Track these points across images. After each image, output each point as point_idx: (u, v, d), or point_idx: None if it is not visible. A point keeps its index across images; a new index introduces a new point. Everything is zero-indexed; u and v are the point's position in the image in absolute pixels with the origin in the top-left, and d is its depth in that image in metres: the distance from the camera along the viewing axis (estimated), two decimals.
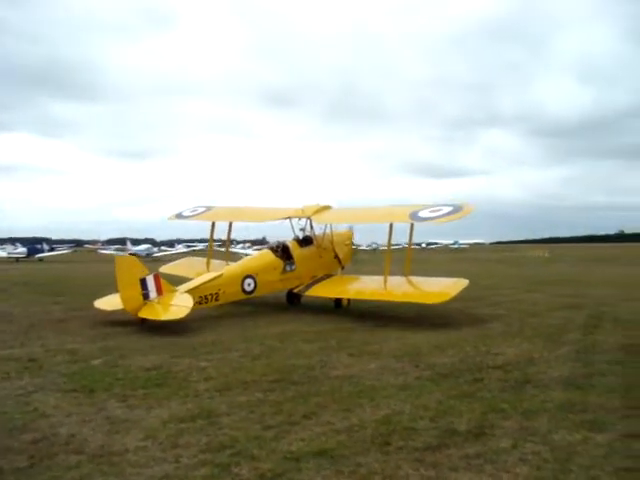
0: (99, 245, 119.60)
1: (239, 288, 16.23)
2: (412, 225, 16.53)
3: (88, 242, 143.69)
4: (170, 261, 26.00)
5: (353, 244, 20.95)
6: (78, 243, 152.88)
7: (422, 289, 16.33)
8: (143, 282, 13.91)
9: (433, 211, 15.55)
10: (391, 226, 16.73)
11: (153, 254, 74.10)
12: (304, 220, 18.89)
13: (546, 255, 73.44)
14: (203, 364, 9.61)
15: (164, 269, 20.03)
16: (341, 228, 20.25)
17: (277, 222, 19.20)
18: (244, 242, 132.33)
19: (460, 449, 5.67)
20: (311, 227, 19.02)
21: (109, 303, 14.92)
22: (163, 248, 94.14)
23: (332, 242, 19.21)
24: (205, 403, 7.28)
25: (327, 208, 18.99)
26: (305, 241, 18.83)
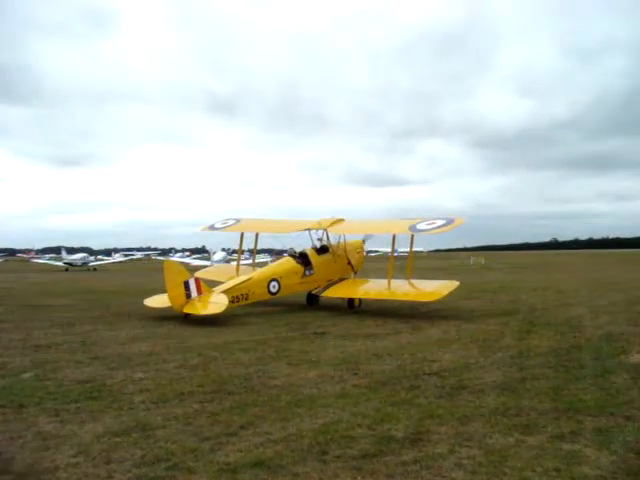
0: (32, 254, 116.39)
1: (265, 290, 18.90)
2: (412, 236, 19.30)
3: (21, 251, 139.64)
4: (107, 270, 26.01)
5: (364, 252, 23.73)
6: (10, 252, 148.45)
7: (420, 289, 18.90)
8: (186, 284, 16.74)
9: (429, 223, 18.45)
10: (394, 237, 19.97)
11: (89, 263, 72.51)
12: (321, 231, 21.75)
13: (482, 262, 74.95)
14: (139, 376, 9.46)
15: (199, 274, 21.64)
16: (354, 238, 22.93)
17: (297, 233, 21.65)
18: (183, 251, 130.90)
19: (397, 456, 5.74)
20: (327, 237, 21.84)
21: (157, 301, 17.80)
22: (100, 257, 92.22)
23: (345, 250, 21.96)
24: (140, 416, 7.15)
25: (341, 221, 21.67)
26: (322, 249, 21.57)
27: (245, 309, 18.29)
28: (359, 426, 6.64)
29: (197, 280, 17.22)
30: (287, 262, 20.70)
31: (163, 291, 17.12)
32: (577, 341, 12.54)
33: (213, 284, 19.01)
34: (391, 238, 20.21)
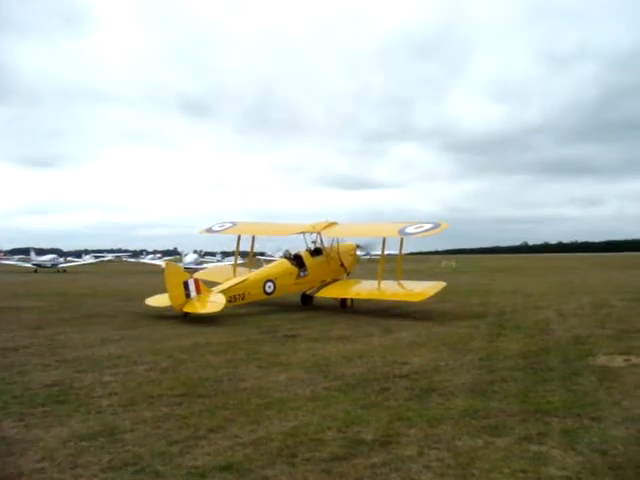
0: (1, 255, 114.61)
1: (261, 290, 19.74)
2: (402, 239, 20.22)
3: None
4: (77, 272, 25.89)
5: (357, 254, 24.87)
6: None
7: (408, 290, 19.93)
8: (185, 284, 17.66)
9: (417, 227, 19.37)
10: (384, 240, 21.12)
11: (59, 265, 71.57)
12: (315, 234, 22.68)
13: (453, 266, 75.46)
14: (107, 379, 9.36)
15: (198, 275, 22.07)
16: (347, 241, 24.08)
17: (293, 236, 23.08)
18: (154, 252, 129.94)
19: (366, 458, 5.74)
20: (321, 240, 22.77)
21: (158, 301, 18.62)
22: (70, 259, 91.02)
23: (338, 252, 22.87)
24: (108, 419, 7.07)
25: (334, 224, 22.79)
26: (316, 252, 22.44)
27: (236, 310, 18.24)
28: (329, 429, 6.64)
29: (196, 280, 18.16)
30: (282, 264, 21.69)
31: (132, 293, 17.02)
32: (545, 344, 12.68)
33: (212, 285, 19.73)
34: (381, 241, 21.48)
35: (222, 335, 14.29)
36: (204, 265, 70.19)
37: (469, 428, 6.65)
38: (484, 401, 7.83)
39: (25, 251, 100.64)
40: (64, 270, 68.46)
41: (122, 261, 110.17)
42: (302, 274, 21.42)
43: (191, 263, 67.14)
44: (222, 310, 16.98)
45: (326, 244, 22.89)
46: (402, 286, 20.29)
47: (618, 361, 10.68)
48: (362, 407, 7.56)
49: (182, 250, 76.70)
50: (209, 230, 25.28)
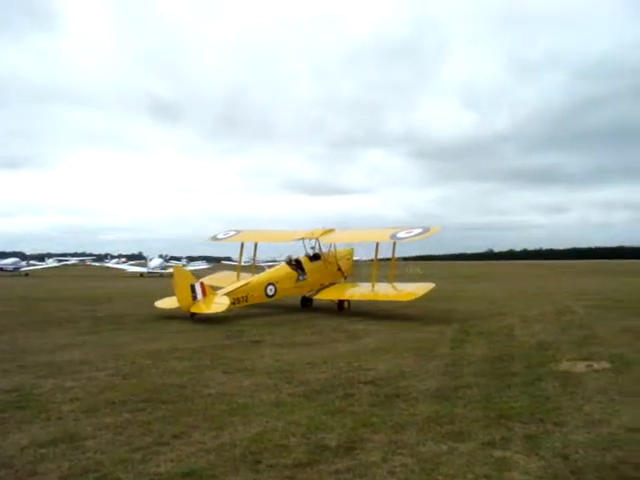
0: None
1: (263, 293, 21.13)
2: (394, 244, 21.20)
3: None
4: (40, 276, 25.70)
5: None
6: None
7: (400, 290, 21.07)
8: (192, 287, 19.06)
9: (408, 232, 20.63)
10: (377, 245, 22.11)
11: (21, 268, 70.35)
12: (314, 241, 24.13)
13: (419, 272, 75.90)
14: (69, 384, 9.23)
15: (204, 280, 22.06)
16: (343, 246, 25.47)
17: (292, 242, 24.46)
18: (119, 257, 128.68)
19: (330, 464, 5.73)
20: (319, 246, 24.20)
21: (167, 303, 20.00)
22: (32, 262, 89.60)
23: (336, 257, 24.30)
24: (69, 426, 6.97)
25: (331, 231, 24.32)
26: (314, 257, 23.88)
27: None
28: (293, 435, 6.61)
29: (202, 284, 19.56)
30: (283, 268, 23.06)
31: (96, 297, 16.87)
32: (509, 350, 12.80)
33: (217, 290, 20.61)
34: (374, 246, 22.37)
35: (187, 340, 14.19)
36: (169, 270, 69.78)
37: (433, 434, 6.68)
38: (448, 407, 7.88)
39: None
40: (26, 274, 67.28)
41: (86, 265, 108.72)
42: (301, 278, 22.82)
43: (156, 267, 66.60)
44: (226, 311, 18.51)
45: (324, 250, 24.33)
46: (394, 287, 21.40)
47: (580, 367, 10.80)
48: (326, 413, 7.55)
49: (147, 255, 76.02)
50: (214, 238, 27.06)
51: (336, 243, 24.71)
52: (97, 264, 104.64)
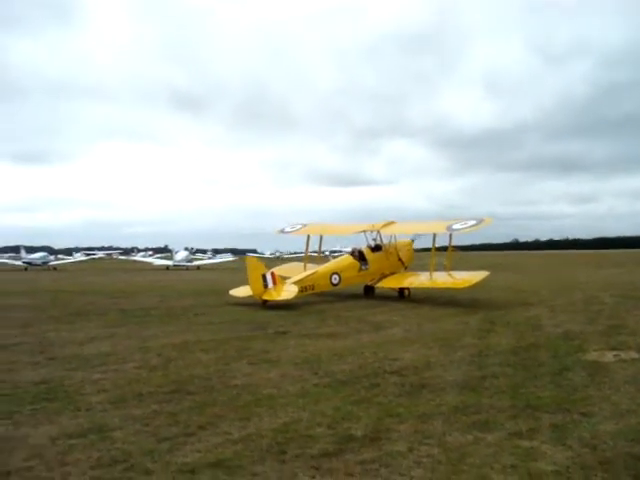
0: None
1: (328, 281, 22.87)
2: (450, 235, 22.83)
3: None
4: (68, 270, 26.27)
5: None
6: None
7: (456, 278, 22.39)
8: (264, 276, 20.67)
9: (463, 223, 22.27)
10: (434, 236, 23.67)
11: (50, 262, 71.21)
12: (375, 233, 25.75)
13: (444, 263, 75.50)
14: (97, 376, 9.32)
15: (275, 270, 23.37)
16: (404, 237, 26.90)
17: (355, 234, 26.76)
18: (146, 250, 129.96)
19: (356, 454, 5.72)
20: (380, 238, 25.81)
21: (241, 292, 21.81)
22: (60, 256, 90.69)
23: (396, 248, 25.78)
24: (97, 417, 7.04)
25: (392, 223, 25.89)
26: (376, 248, 25.49)
27: (226, 307, 18.20)
28: (319, 425, 6.62)
29: (273, 273, 21.16)
30: (346, 259, 25.09)
31: (123, 290, 17.06)
32: (536, 340, 12.70)
33: (286, 279, 22.25)
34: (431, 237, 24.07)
35: (213, 332, 14.25)
36: (195, 263, 70.22)
37: (459, 424, 6.64)
38: (475, 397, 7.84)
39: (15, 249, 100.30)
40: (54, 268, 68.10)
41: (113, 259, 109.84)
42: (364, 267, 24.45)
43: (182, 260, 67.03)
44: (295, 298, 20.22)
45: (385, 241, 25.90)
46: (451, 276, 22.76)
47: (608, 357, 10.69)
48: (352, 403, 7.55)
49: (173, 247, 76.54)
50: (282, 231, 29.28)
51: (396, 234, 26.03)
52: (124, 257, 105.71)
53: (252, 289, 20.64)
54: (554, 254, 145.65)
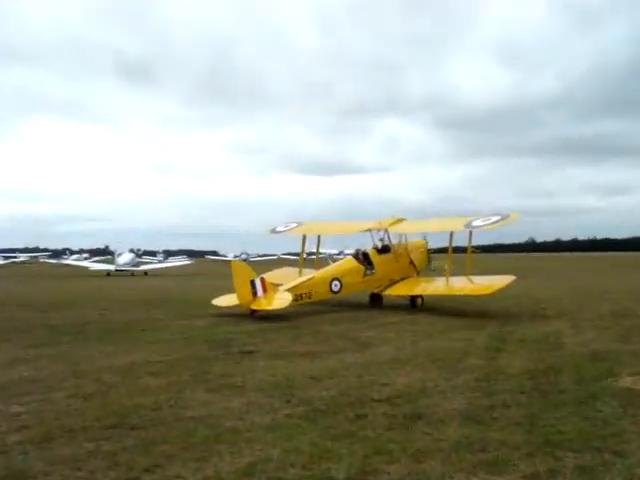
0: None
1: (328, 288, 23.39)
2: (470, 233, 23.78)
3: None
4: None
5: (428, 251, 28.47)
6: None
7: (476, 284, 23.30)
8: (252, 283, 21.23)
9: (484, 220, 23.04)
10: (451, 234, 24.46)
11: None
12: (382, 232, 26.43)
13: (445, 267, 75.69)
14: (16, 409, 9.18)
15: (265, 276, 24.00)
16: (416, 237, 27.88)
17: (359, 234, 27.57)
18: (80, 252, 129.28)
19: None
20: (388, 237, 26.50)
21: (226, 301, 22.37)
22: None
23: (407, 249, 26.50)
24: (16, 461, 6.90)
25: (401, 220, 26.52)
26: (383, 249, 26.12)
27: (184, 321, 18.11)
28: (292, 465, 6.60)
29: (262, 279, 21.79)
30: (348, 262, 25.74)
31: (52, 301, 16.92)
32: (556, 361, 12.76)
33: (278, 286, 22.79)
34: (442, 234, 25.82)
35: (164, 352, 14.18)
36: (142, 267, 69.90)
37: (463, 464, 6.64)
38: (481, 430, 7.85)
39: None
40: None
41: (40, 263, 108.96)
42: (369, 272, 25.08)
43: (126, 265, 66.76)
44: (288, 307, 20.75)
45: (394, 241, 26.64)
46: (471, 281, 23.62)
47: None
48: (333, 438, 7.53)
49: (115, 249, 76.06)
50: (274, 231, 30.15)
51: (407, 234, 26.91)
52: (53, 261, 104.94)
53: (239, 297, 21.21)
54: (578, 257, 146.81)
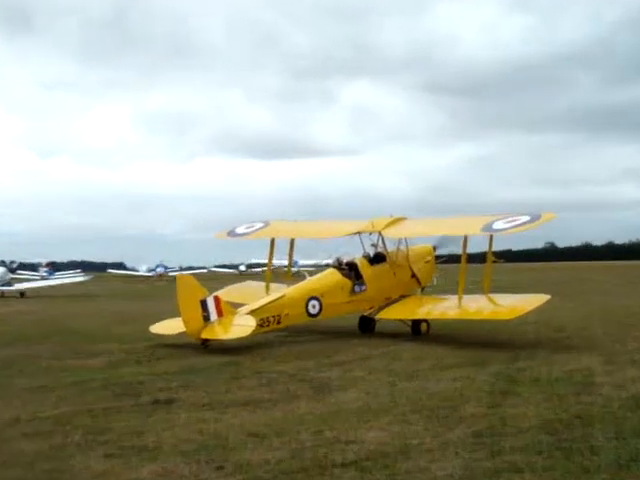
0: None
1: (303, 310, 23.53)
2: (491, 237, 24.44)
3: None
4: None
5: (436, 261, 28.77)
6: None
7: (498, 305, 23.71)
8: (203, 304, 21.24)
9: (509, 221, 23.32)
10: (465, 239, 24.91)
11: None
12: (375, 235, 26.74)
13: (434, 282, 75.94)
14: None
15: (220, 294, 24.70)
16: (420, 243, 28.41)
17: (345, 238, 27.51)
18: None
19: None
20: (383, 243, 26.77)
21: (167, 327, 22.46)
22: None
23: (408, 259, 26.75)
24: None
25: (401, 220, 26.91)
26: (377, 258, 26.41)
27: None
28: None
29: (217, 299, 21.98)
30: (330, 275, 25.80)
31: None
32: (585, 409, 12.76)
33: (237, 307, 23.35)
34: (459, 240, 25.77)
35: (47, 403, 13.97)
36: (18, 286, 69.12)
37: None
38: None
39: None
40: None
41: None
42: (358, 289, 25.19)
43: None
44: (251, 335, 21.00)
45: (391, 248, 26.85)
46: (491, 301, 24.06)
47: None
48: None
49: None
50: (232, 234, 30.52)
51: (408, 238, 27.14)
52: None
53: (185, 322, 21.08)
54: (615, 266, 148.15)
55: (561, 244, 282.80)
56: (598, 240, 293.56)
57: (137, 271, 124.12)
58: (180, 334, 21.28)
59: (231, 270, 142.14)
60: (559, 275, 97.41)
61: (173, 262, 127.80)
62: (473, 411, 12.67)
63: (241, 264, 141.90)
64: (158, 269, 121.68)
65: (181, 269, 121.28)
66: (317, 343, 23.15)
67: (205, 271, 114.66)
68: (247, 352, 21.10)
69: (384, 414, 12.48)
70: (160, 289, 70.42)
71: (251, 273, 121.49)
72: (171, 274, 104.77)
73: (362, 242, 26.95)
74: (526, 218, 23.26)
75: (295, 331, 24.83)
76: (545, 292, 25.44)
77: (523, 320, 28.31)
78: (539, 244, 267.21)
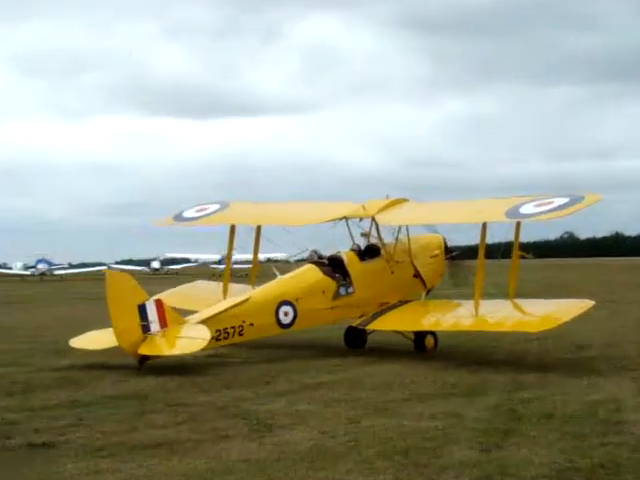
0: None
1: (273, 319, 24.32)
2: (518, 225, 25.11)
3: None
4: None
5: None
6: None
7: (526, 313, 24.31)
8: (142, 309, 21.57)
9: (540, 204, 23.78)
10: (484, 226, 25.25)
11: None
12: (367, 221, 27.79)
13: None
14: None
15: (162, 297, 25.17)
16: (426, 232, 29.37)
17: (327, 224, 28.01)
18: None
19: None
20: (378, 231, 27.74)
21: (93, 340, 22.90)
22: None
23: (410, 253, 27.82)
24: None
25: (400, 203, 27.98)
26: (369, 252, 27.60)
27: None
28: None
29: (159, 303, 22.30)
30: (308, 273, 26.63)
31: None
32: (611, 454, 12.75)
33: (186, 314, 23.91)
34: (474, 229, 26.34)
35: None
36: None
37: None
38: None
39: None
40: None
41: None
42: (343, 291, 26.10)
43: None
44: (204, 349, 21.52)
45: (387, 238, 27.87)
46: (518, 308, 24.64)
47: None
48: None
49: None
50: (178, 218, 31.15)
51: (409, 225, 27.97)
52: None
53: (117, 333, 21.25)
54: None
55: (583, 234, 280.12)
56: (629, 230, 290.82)
57: (9, 269, 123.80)
58: (108, 349, 21.30)
59: (140, 268, 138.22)
60: (577, 275, 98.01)
61: (60, 257, 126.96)
62: (463, 456, 12.62)
63: (154, 259, 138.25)
64: (39, 266, 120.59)
65: (70, 265, 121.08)
66: (258, 365, 22.76)
67: (104, 269, 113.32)
68: (160, 376, 20.96)
69: (343, 460, 12.43)
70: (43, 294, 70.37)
71: (169, 272, 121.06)
72: (57, 273, 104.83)
73: (350, 230, 27.29)
74: (563, 200, 23.42)
75: (233, 346, 24.62)
76: (554, 297, 25.91)
77: (526, 334, 28.62)
78: (554, 234, 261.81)
